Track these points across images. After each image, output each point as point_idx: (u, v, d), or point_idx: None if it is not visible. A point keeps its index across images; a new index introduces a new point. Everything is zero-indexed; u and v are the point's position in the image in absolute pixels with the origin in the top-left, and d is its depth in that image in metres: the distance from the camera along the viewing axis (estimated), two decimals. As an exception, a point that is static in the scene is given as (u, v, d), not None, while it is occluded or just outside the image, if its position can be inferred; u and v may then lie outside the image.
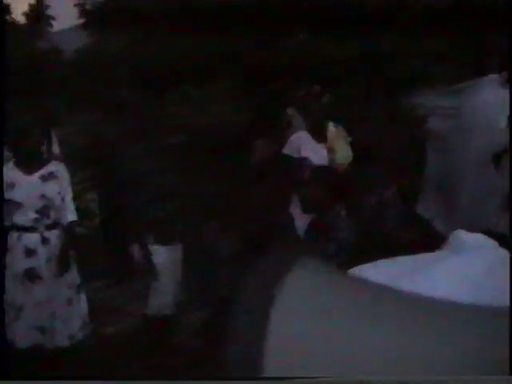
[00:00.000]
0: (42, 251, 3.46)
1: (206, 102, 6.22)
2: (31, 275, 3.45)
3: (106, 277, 5.09)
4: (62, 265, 3.46)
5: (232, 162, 5.07)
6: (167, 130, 3.91)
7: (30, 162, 3.51)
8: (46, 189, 3.48)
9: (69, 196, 3.58)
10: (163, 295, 3.82)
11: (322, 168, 3.67)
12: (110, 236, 5.01)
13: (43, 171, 3.52)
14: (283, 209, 4.35)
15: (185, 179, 3.91)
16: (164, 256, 3.83)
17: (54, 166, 3.57)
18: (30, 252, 3.45)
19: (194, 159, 4.18)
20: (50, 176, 3.52)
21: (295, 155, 4.29)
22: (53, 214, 3.51)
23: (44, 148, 3.61)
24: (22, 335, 3.48)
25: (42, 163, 3.56)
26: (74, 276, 3.62)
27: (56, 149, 3.92)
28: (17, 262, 3.46)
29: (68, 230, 3.55)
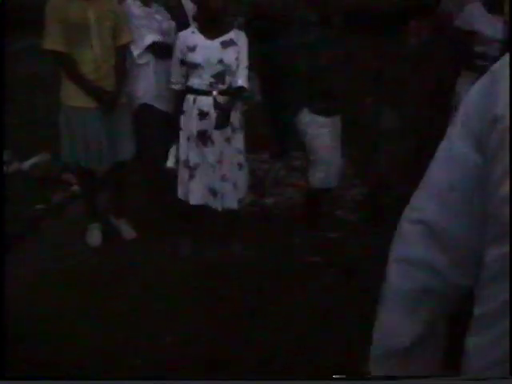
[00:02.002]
0: (214, 115, 3.55)
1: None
2: (203, 137, 3.59)
3: (269, 148, 5.20)
4: (224, 123, 3.54)
5: (389, 41, 4.83)
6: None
7: (212, 27, 3.56)
8: (225, 55, 3.53)
9: (244, 64, 3.61)
10: (323, 168, 3.81)
11: None
12: (273, 106, 5.04)
13: (225, 37, 3.57)
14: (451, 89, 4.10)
15: (347, 54, 3.77)
16: (325, 127, 3.77)
17: (235, 34, 3.60)
18: (203, 114, 3.56)
19: (353, 36, 4.00)
20: (230, 43, 3.56)
21: (467, 28, 4.00)
22: (227, 80, 3.57)
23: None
24: (194, 194, 3.68)
25: (224, 30, 3.59)
26: (242, 142, 3.72)
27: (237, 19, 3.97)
28: (191, 124, 3.60)
29: (237, 94, 3.61)
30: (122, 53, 3.78)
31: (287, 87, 4.16)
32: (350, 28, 3.86)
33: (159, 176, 3.93)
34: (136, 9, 3.88)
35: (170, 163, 3.71)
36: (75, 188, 4.74)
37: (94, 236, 4.04)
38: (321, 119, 3.75)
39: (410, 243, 1.01)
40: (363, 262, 3.52)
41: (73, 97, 3.68)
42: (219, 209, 3.72)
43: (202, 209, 3.75)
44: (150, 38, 3.84)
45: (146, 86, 3.90)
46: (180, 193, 3.73)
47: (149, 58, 3.89)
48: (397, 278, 1.03)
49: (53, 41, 3.56)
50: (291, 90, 3.97)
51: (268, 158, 5.16)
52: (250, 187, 3.99)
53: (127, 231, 4.09)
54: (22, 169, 5.29)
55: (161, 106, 3.92)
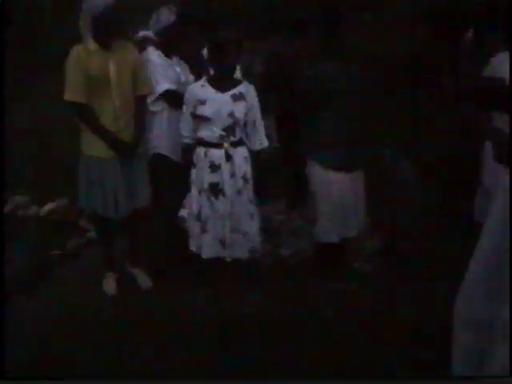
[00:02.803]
0: (226, 167, 3.60)
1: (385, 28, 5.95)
2: (215, 189, 3.62)
3: (284, 198, 5.19)
4: (245, 183, 3.66)
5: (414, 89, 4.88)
6: (350, 55, 3.78)
7: (223, 81, 3.62)
8: (235, 108, 3.58)
9: (259, 120, 3.69)
10: (335, 220, 3.81)
11: None
12: (288, 158, 5.06)
13: (235, 91, 3.62)
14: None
15: (375, 102, 3.79)
16: (342, 182, 3.78)
17: (245, 87, 3.65)
18: (214, 167, 3.61)
19: (378, 85, 4.03)
20: (240, 96, 3.61)
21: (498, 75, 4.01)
22: (238, 132, 3.61)
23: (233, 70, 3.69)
24: (207, 248, 3.70)
25: (234, 83, 3.65)
26: (252, 192, 3.75)
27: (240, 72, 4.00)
28: (202, 177, 3.64)
29: (259, 155, 3.74)
30: (142, 103, 3.85)
31: (299, 137, 4.21)
32: (364, 79, 3.90)
33: (174, 225, 3.93)
34: (156, 57, 3.96)
35: (184, 213, 3.74)
36: (91, 234, 4.76)
37: (110, 284, 4.04)
38: (330, 173, 3.77)
39: None
40: (378, 315, 3.51)
41: (92, 146, 3.74)
42: (228, 259, 3.71)
43: (215, 260, 3.75)
44: (164, 86, 3.91)
45: (159, 135, 3.97)
46: (192, 245, 3.76)
47: (162, 106, 3.97)
48: None
49: (73, 92, 3.63)
50: (302, 140, 3.99)
51: (283, 208, 5.15)
52: (265, 237, 3.98)
53: (143, 280, 4.08)
54: (40, 214, 5.33)
55: (174, 156, 3.97)
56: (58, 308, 3.82)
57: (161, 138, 3.96)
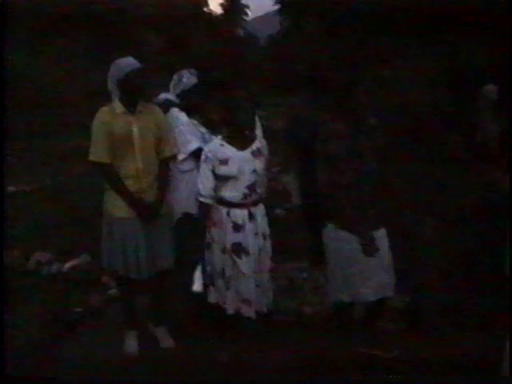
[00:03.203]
0: (249, 227, 3.61)
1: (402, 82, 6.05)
2: (238, 249, 3.62)
3: (304, 257, 5.18)
4: (265, 240, 3.69)
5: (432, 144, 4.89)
6: (367, 111, 3.79)
7: (241, 138, 3.66)
8: (257, 164, 3.62)
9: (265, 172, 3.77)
10: (338, 284, 3.73)
11: None
12: (307, 217, 5.07)
13: (253, 147, 3.66)
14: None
15: (387, 163, 3.77)
16: (348, 242, 3.63)
17: (260, 143, 3.71)
18: (237, 227, 3.61)
19: (393, 141, 4.04)
20: (258, 152, 3.66)
21: None
22: (258, 190, 3.65)
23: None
24: (231, 304, 3.69)
25: (250, 140, 3.70)
26: (270, 247, 3.77)
27: (258, 130, 4.04)
28: (225, 236, 3.64)
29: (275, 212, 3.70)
30: (166, 165, 3.88)
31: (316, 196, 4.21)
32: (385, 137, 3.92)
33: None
34: (183, 116, 4.00)
35: (197, 287, 3.69)
36: (113, 291, 4.77)
37: (131, 344, 4.01)
38: (344, 234, 3.63)
39: None
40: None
41: (114, 206, 3.76)
42: (253, 317, 3.69)
43: (236, 318, 3.74)
44: (194, 145, 3.92)
45: (189, 195, 3.94)
46: (214, 298, 3.75)
47: (192, 165, 3.96)
48: None
49: (98, 153, 3.69)
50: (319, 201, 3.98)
51: (306, 266, 5.13)
52: (288, 295, 3.96)
53: (165, 339, 4.05)
54: (62, 270, 5.36)
55: (197, 213, 3.93)
56: (80, 365, 3.77)
57: (190, 197, 3.93)
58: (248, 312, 3.68)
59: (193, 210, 3.94)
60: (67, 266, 5.40)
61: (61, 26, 25.13)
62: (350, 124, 3.61)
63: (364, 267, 3.62)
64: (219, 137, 3.72)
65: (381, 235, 3.68)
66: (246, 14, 56.58)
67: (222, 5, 54.93)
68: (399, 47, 8.69)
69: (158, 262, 3.85)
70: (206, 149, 3.71)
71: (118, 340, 4.05)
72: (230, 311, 3.69)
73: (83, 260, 5.47)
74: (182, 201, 3.98)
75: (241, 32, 50.52)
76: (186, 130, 3.96)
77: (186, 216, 3.98)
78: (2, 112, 4.19)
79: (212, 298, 3.75)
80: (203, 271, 3.70)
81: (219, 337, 3.93)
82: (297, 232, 4.92)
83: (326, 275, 4.85)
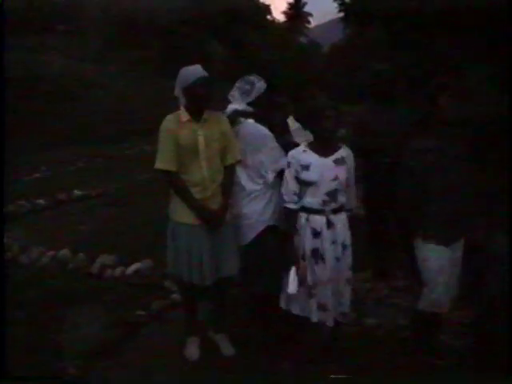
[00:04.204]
0: (327, 234, 3.60)
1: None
2: (316, 255, 3.63)
3: (371, 267, 5.09)
4: (344, 249, 3.67)
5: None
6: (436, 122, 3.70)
7: (325, 146, 3.65)
8: (338, 172, 3.60)
9: (353, 183, 3.71)
10: (436, 292, 3.67)
11: None
12: (372, 228, 4.99)
13: (336, 155, 3.65)
14: None
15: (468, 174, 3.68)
16: (442, 256, 3.64)
17: (345, 152, 3.68)
18: (316, 234, 3.62)
19: (466, 152, 3.91)
20: (342, 161, 3.64)
21: None
22: (339, 198, 3.62)
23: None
24: (313, 312, 3.67)
25: (334, 148, 3.68)
26: (351, 257, 3.74)
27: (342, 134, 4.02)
28: (304, 243, 3.65)
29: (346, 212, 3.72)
30: (230, 172, 3.88)
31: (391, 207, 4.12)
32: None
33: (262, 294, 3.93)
34: (267, 131, 3.91)
35: (292, 289, 3.65)
36: (176, 296, 4.80)
37: (192, 350, 4.02)
38: (433, 246, 3.64)
39: None
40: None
41: (179, 213, 3.78)
42: (331, 324, 3.69)
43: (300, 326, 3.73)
44: (284, 161, 3.83)
45: (274, 209, 3.91)
46: (296, 309, 3.73)
47: (278, 180, 3.89)
48: None
49: (164, 161, 3.72)
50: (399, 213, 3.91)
51: (370, 276, 5.04)
52: (350, 306, 3.89)
53: (226, 347, 4.04)
54: (125, 274, 5.45)
55: (283, 225, 3.88)
56: (140, 369, 3.85)
57: (276, 210, 3.90)
58: (324, 318, 3.68)
59: (277, 222, 3.91)
60: (130, 269, 5.49)
61: (130, 35, 25.85)
62: (437, 136, 3.62)
63: (448, 278, 3.67)
64: (303, 144, 3.73)
65: (459, 246, 3.73)
66: (309, 22, 56.73)
67: (285, 13, 55.31)
68: (467, 54, 8.47)
69: (222, 269, 3.85)
70: (289, 155, 3.72)
71: (180, 345, 4.07)
72: (314, 319, 3.67)
73: (146, 265, 5.54)
74: (265, 213, 3.91)
75: (304, 40, 50.69)
76: (276, 147, 3.90)
77: (270, 228, 3.93)
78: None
79: (294, 308, 3.73)
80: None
81: (282, 345, 3.91)
82: (359, 242, 4.83)
83: (390, 286, 4.80)
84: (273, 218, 3.92)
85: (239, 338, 4.10)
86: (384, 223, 4.85)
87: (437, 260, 3.63)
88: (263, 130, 3.90)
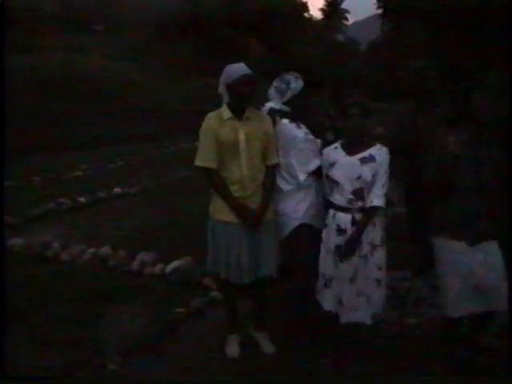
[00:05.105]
0: (351, 232, 3.58)
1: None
2: (339, 252, 3.62)
3: (411, 265, 5.02)
4: (352, 248, 3.58)
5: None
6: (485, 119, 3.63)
7: (355, 144, 3.63)
8: (363, 171, 3.56)
9: (381, 181, 3.59)
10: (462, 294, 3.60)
11: None
12: (413, 226, 4.93)
13: (364, 153, 3.61)
14: None
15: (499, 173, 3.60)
16: (472, 256, 3.57)
17: (377, 149, 3.63)
18: (340, 230, 3.61)
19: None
20: (369, 159, 3.59)
21: None
22: (366, 197, 3.59)
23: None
24: (326, 301, 3.72)
25: (365, 146, 3.64)
26: (383, 258, 3.68)
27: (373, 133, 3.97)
28: (330, 238, 3.67)
29: (370, 213, 3.60)
30: (271, 172, 3.87)
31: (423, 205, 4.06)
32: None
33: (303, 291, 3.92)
34: (300, 133, 3.90)
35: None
36: (215, 294, 4.82)
37: (233, 348, 4.03)
38: (458, 246, 3.57)
39: None
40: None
41: (219, 211, 3.79)
42: (343, 320, 3.68)
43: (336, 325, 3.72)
44: (315, 163, 3.85)
45: (309, 207, 3.91)
46: (318, 298, 3.77)
47: (311, 180, 3.91)
48: None
49: (204, 158, 3.73)
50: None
51: (409, 275, 4.98)
52: (390, 305, 3.86)
53: (266, 345, 4.05)
54: (165, 271, 5.49)
55: (317, 224, 3.90)
56: (180, 367, 3.88)
57: (309, 209, 3.91)
58: (344, 316, 3.67)
59: (312, 220, 3.92)
60: (170, 267, 5.53)
61: (168, 34, 26.05)
62: (470, 133, 3.56)
63: (480, 280, 3.56)
64: (339, 141, 3.73)
65: (492, 247, 3.60)
66: (347, 19, 56.31)
67: (322, 10, 54.98)
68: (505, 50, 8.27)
69: (261, 268, 3.84)
70: (324, 153, 3.75)
71: (220, 343, 4.09)
72: (326, 308, 3.70)
73: (185, 262, 5.57)
74: (298, 211, 3.91)
75: (341, 37, 50.30)
76: (306, 148, 3.89)
77: (303, 226, 3.93)
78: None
79: (326, 305, 3.74)
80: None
81: (321, 343, 3.90)
82: (399, 240, 4.77)
83: (430, 285, 4.73)
84: (307, 216, 3.91)
85: (279, 336, 4.09)
86: (425, 221, 4.78)
87: (451, 263, 3.58)
88: (294, 130, 3.89)
